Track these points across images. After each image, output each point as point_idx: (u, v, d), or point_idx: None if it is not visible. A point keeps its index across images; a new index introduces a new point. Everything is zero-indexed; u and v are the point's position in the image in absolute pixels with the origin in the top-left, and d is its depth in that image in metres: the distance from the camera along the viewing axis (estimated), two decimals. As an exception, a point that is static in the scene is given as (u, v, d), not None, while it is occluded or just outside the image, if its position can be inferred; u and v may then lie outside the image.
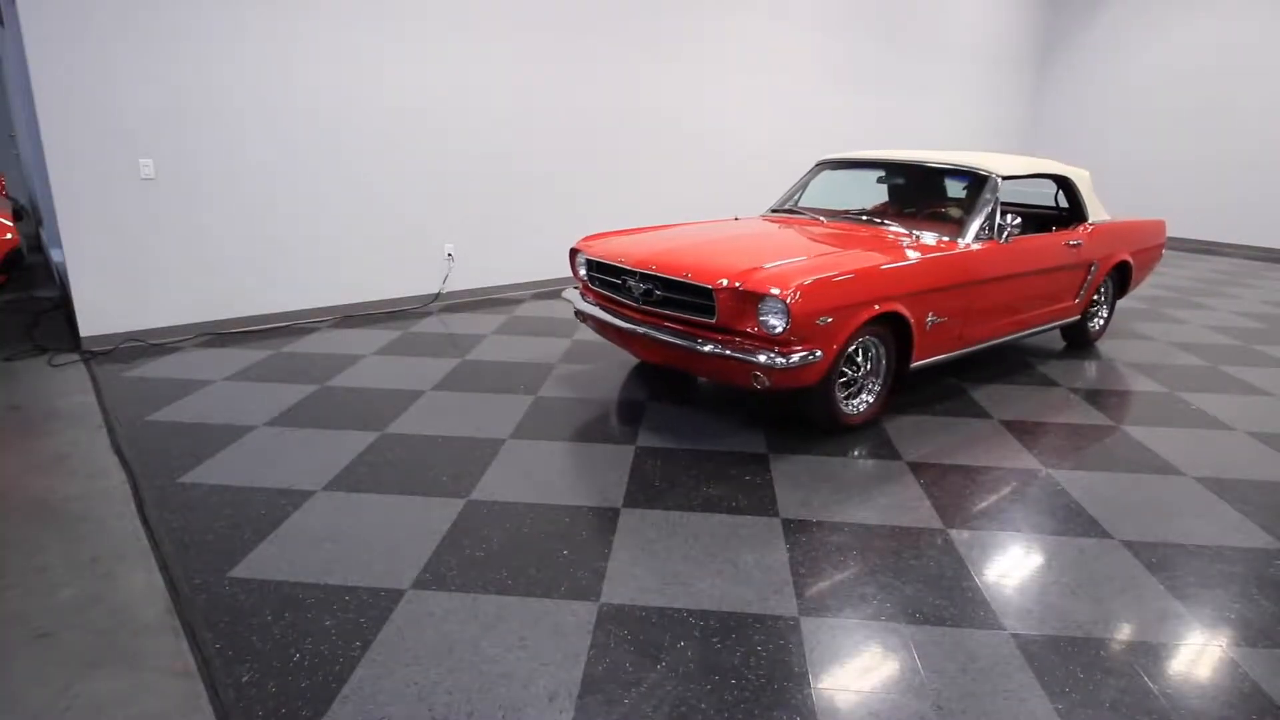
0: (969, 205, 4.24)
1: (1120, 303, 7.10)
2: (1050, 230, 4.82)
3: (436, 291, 6.21)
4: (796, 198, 4.92)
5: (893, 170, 4.88)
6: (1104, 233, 5.01)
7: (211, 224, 5.05)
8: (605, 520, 2.86)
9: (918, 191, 4.85)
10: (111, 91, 4.52)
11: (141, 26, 4.55)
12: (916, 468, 3.40)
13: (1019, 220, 4.08)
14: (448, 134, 5.95)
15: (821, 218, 4.53)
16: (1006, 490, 3.22)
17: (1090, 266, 4.89)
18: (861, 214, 4.60)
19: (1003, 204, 5.51)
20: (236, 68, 4.92)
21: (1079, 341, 5.38)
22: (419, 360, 4.72)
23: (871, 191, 5.14)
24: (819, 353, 3.25)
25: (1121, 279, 5.48)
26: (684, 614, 2.32)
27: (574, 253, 4.20)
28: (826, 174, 5.02)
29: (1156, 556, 2.74)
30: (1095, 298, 5.34)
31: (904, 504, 3.06)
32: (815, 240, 3.98)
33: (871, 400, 3.76)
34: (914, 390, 4.40)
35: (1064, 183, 4.97)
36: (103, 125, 4.53)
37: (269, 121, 5.12)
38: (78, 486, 3.04)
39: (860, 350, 3.63)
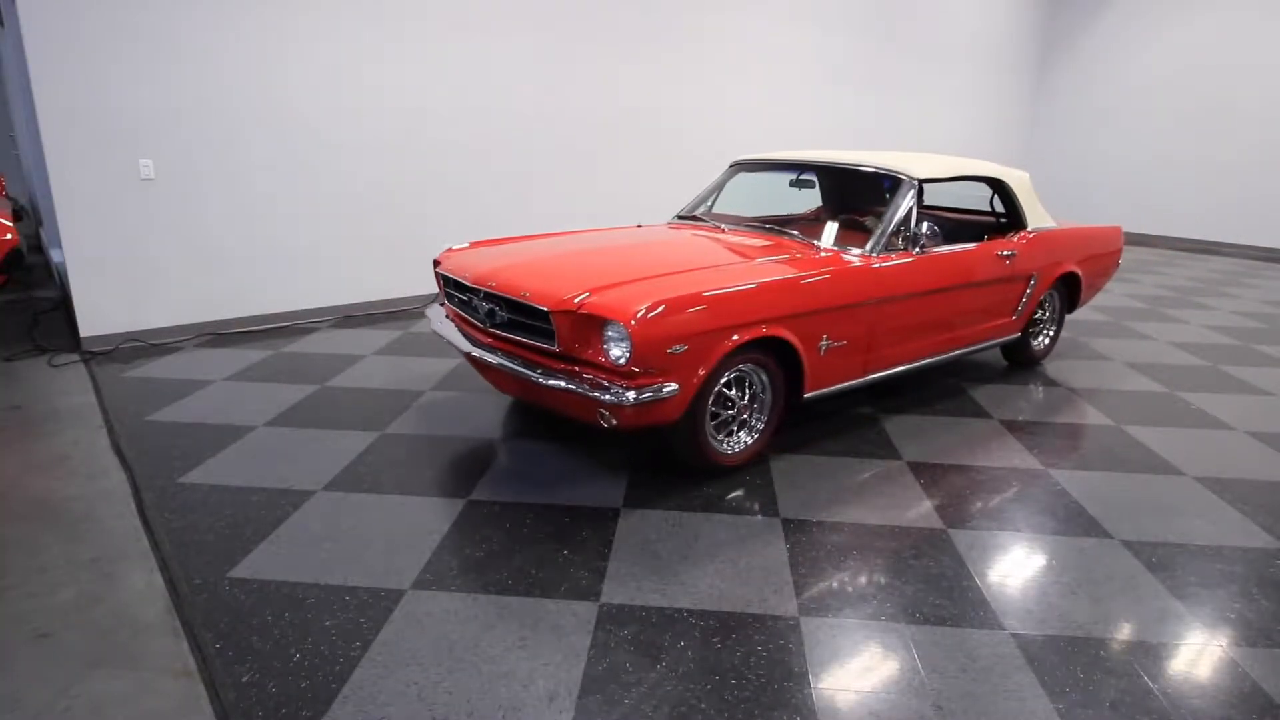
0: (880, 212, 3.77)
1: (1120, 303, 7.10)
2: (988, 239, 4.38)
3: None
4: (710, 202, 4.45)
5: (806, 173, 4.39)
6: (1044, 241, 4.48)
7: (211, 224, 5.05)
8: (605, 520, 2.86)
9: (833, 196, 4.42)
10: (111, 91, 4.52)
11: (141, 27, 4.55)
12: (916, 468, 3.40)
13: (936, 229, 3.66)
14: (447, 133, 5.95)
15: (723, 226, 4.05)
16: (1006, 490, 3.22)
17: (1029, 279, 4.38)
18: (766, 223, 4.10)
19: (939, 210, 5.23)
20: (236, 68, 4.92)
21: (1022, 361, 4.87)
22: (414, 360, 4.72)
23: (795, 195, 4.66)
24: (675, 386, 2.80)
25: (1070, 292, 4.93)
26: (684, 614, 2.32)
27: (436, 264, 3.66)
28: (743, 176, 4.53)
29: (1156, 556, 2.74)
30: (1039, 313, 4.82)
31: (904, 504, 3.06)
32: (697, 254, 3.47)
33: (754, 438, 3.29)
34: (914, 390, 4.40)
35: (998, 186, 4.44)
36: (103, 125, 4.53)
37: (269, 121, 5.12)
38: (78, 486, 3.04)
39: (737, 381, 3.19)
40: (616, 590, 2.43)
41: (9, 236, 5.21)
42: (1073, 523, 2.97)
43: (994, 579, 2.56)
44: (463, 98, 5.96)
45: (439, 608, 2.32)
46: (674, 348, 2.77)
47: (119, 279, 4.79)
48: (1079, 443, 3.75)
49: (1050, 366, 4.98)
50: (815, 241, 3.65)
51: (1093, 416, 4.11)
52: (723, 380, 3.08)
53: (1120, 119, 11.19)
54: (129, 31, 4.51)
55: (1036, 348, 4.90)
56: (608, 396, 2.73)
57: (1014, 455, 3.57)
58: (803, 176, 4.32)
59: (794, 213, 4.68)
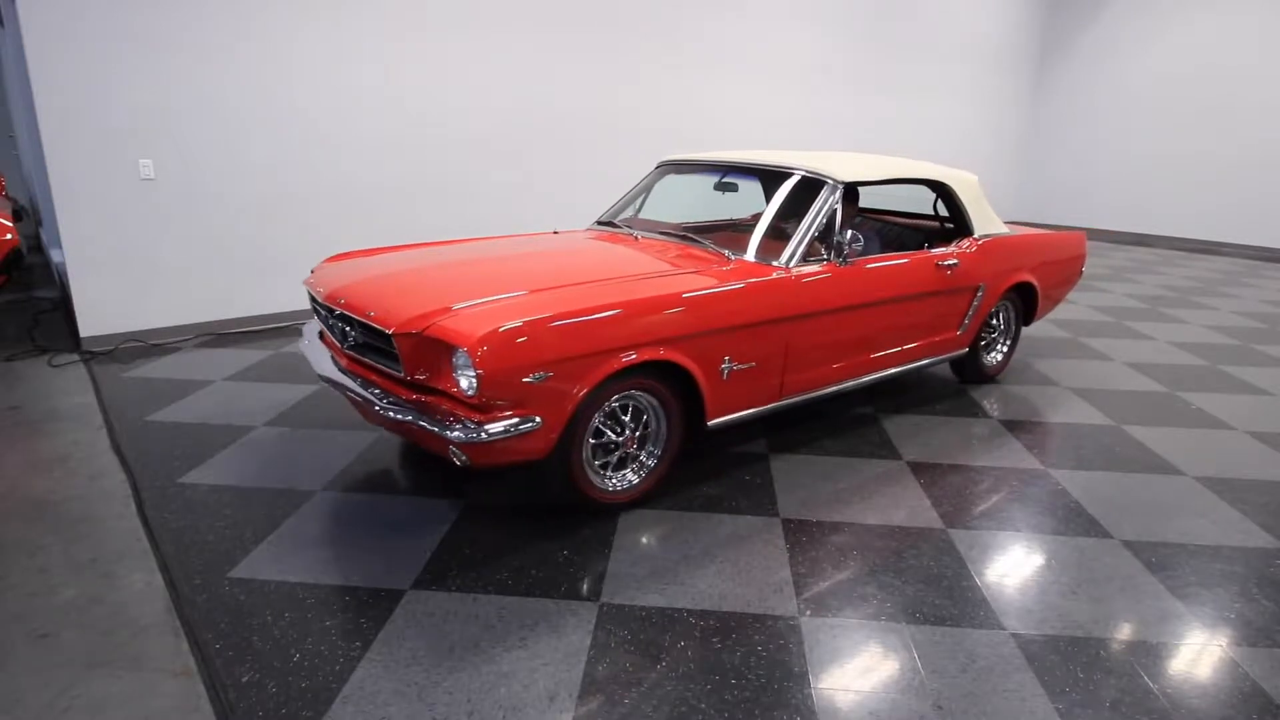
0: (799, 218, 3.39)
1: (1120, 303, 7.10)
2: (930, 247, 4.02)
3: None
4: (638, 204, 4.11)
5: (731, 174, 3.94)
6: (993, 249, 4.11)
7: (211, 224, 5.05)
8: (605, 520, 2.86)
9: (766, 200, 3.83)
10: (111, 91, 4.52)
11: (141, 27, 4.55)
12: (916, 468, 3.40)
13: (860, 238, 3.29)
14: (448, 133, 5.95)
15: (637, 233, 3.69)
16: (1006, 490, 3.22)
17: (976, 290, 4.02)
18: (691, 229, 3.73)
19: (885, 215, 4.84)
20: (236, 68, 4.92)
21: (973, 378, 4.50)
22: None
23: (730, 198, 4.20)
24: (537, 420, 2.47)
25: (1026, 303, 4.56)
26: (684, 614, 2.32)
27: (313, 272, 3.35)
28: (671, 178, 4.17)
29: (1156, 556, 2.74)
30: (990, 326, 4.46)
31: (904, 504, 3.06)
32: (589, 266, 3.12)
33: (642, 475, 2.93)
34: (914, 390, 4.40)
35: (941, 190, 4.09)
36: (103, 125, 4.54)
37: (269, 121, 5.12)
38: (78, 486, 3.04)
39: (622, 410, 2.84)
40: (616, 590, 2.43)
41: (9, 236, 5.21)
42: (1073, 523, 2.97)
43: (994, 579, 2.56)
44: (471, 97, 5.96)
45: (439, 608, 2.32)
46: (533, 376, 2.42)
47: (119, 279, 4.79)
48: (1079, 443, 3.75)
49: (1050, 366, 4.98)
50: (726, 251, 3.27)
51: (1093, 416, 4.11)
52: (604, 410, 2.75)
53: (1120, 119, 11.19)
54: (129, 31, 4.51)
55: (988, 364, 4.52)
56: (454, 433, 2.37)
57: (1014, 455, 3.57)
58: (726, 179, 3.89)
59: (734, 218, 4.34)
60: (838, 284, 3.30)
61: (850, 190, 3.60)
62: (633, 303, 2.68)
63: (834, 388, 3.50)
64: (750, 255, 3.24)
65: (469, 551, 2.62)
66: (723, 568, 2.57)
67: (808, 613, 2.35)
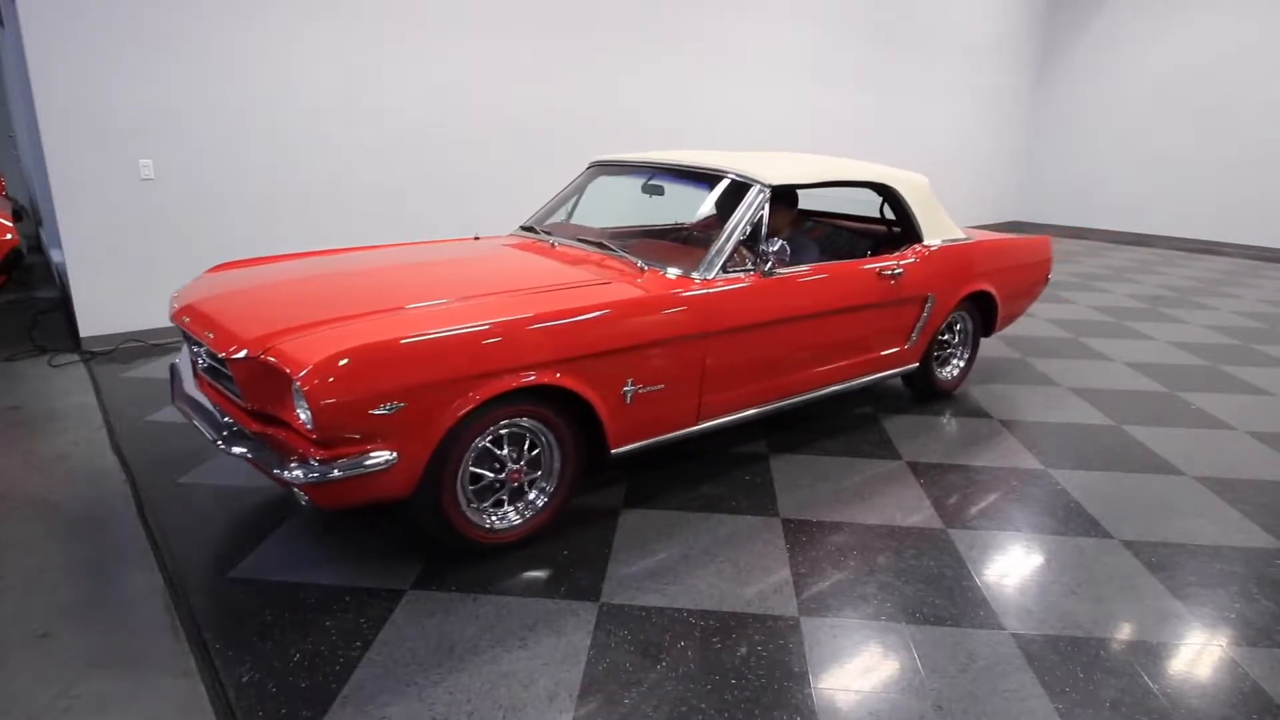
0: (721, 224, 3.14)
1: (1120, 303, 7.10)
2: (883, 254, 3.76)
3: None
4: (570, 207, 3.82)
5: (659, 176, 3.65)
6: (943, 257, 3.82)
7: (211, 224, 5.04)
8: (605, 520, 2.86)
9: (686, 204, 3.76)
10: (111, 91, 4.52)
11: (141, 27, 4.55)
12: (916, 468, 3.40)
13: (787, 247, 3.00)
14: (448, 133, 5.95)
15: (554, 240, 3.40)
16: (1006, 490, 3.22)
17: (925, 300, 3.75)
18: (618, 235, 3.42)
19: (835, 220, 4.49)
20: (236, 68, 4.92)
21: (927, 393, 4.21)
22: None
23: (672, 201, 3.88)
24: (392, 455, 2.21)
25: (985, 314, 4.29)
26: (684, 614, 2.32)
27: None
28: (603, 179, 3.88)
29: (1156, 556, 2.74)
30: (945, 338, 4.17)
31: (904, 504, 3.06)
32: (482, 279, 2.84)
33: (530, 513, 2.63)
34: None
35: (887, 194, 3.80)
36: (103, 125, 4.53)
37: (269, 121, 5.12)
38: (78, 486, 3.04)
39: (505, 440, 2.53)
40: (616, 590, 2.43)
41: (9, 236, 5.22)
42: (1073, 523, 2.97)
43: (994, 579, 2.57)
44: (471, 97, 5.96)
45: (439, 608, 2.32)
46: (383, 407, 2.15)
47: (119, 279, 4.79)
48: (1079, 443, 3.75)
49: (1050, 366, 4.98)
50: (639, 261, 2.97)
51: (1093, 416, 4.11)
52: (483, 441, 2.46)
53: (1120, 119, 11.20)
54: (129, 31, 4.51)
55: (943, 378, 4.23)
56: (293, 473, 2.12)
57: (1014, 455, 3.57)
58: (653, 181, 3.62)
59: (671, 222, 4.06)
60: (761, 297, 3.02)
61: (788, 195, 3.41)
62: (510, 322, 2.39)
63: (766, 407, 3.24)
64: (665, 265, 2.95)
65: (468, 551, 2.62)
66: (723, 568, 2.57)
67: (808, 613, 2.35)
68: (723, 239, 3.02)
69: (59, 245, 4.88)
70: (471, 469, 2.48)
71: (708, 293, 2.86)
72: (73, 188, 4.52)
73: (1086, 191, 11.70)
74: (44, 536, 2.67)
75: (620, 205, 3.94)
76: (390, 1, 5.44)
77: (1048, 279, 4.65)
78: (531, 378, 2.42)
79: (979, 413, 4.11)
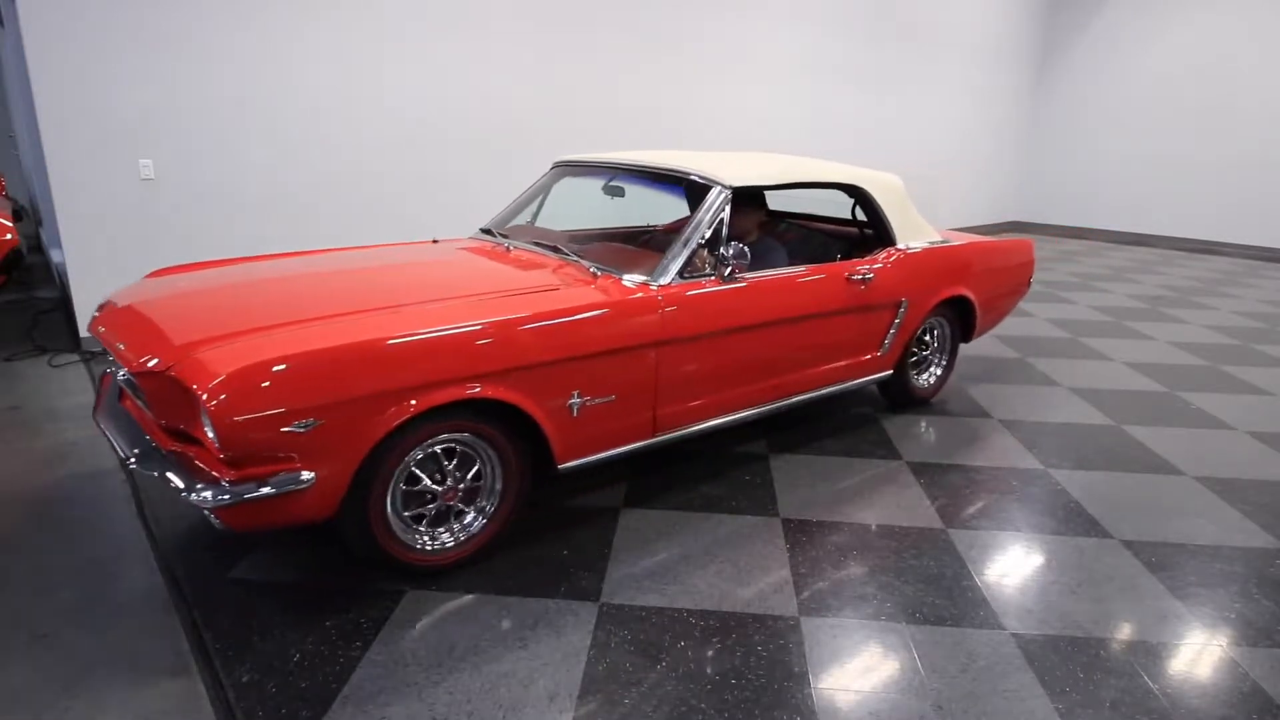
0: (681, 228, 3.01)
1: (1120, 303, 7.10)
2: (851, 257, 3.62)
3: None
4: (534, 209, 3.68)
5: (620, 177, 3.53)
6: (917, 260, 3.69)
7: (211, 224, 5.04)
8: (605, 520, 2.86)
9: (647, 206, 3.66)
10: (111, 91, 4.52)
11: (141, 26, 4.55)
12: (916, 468, 3.40)
13: (746, 250, 2.88)
14: (448, 133, 5.95)
15: (510, 244, 3.26)
16: (1006, 490, 3.22)
17: (898, 306, 3.62)
18: (554, 242, 3.22)
19: (807, 221, 4.37)
20: (236, 68, 4.92)
21: (901, 402, 4.08)
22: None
23: (641, 203, 3.74)
24: (309, 475, 2.07)
25: (963, 319, 4.15)
26: (684, 614, 2.32)
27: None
28: (568, 180, 3.73)
29: (1156, 556, 2.74)
30: (920, 345, 4.02)
31: (904, 504, 3.06)
32: (419, 285, 2.71)
33: (465, 535, 2.50)
34: (914, 390, 4.40)
35: (858, 195, 3.66)
36: (103, 125, 4.53)
37: (269, 121, 5.12)
38: (78, 486, 3.04)
39: (442, 456, 2.41)
40: (616, 590, 2.43)
41: (9, 236, 5.22)
42: (1073, 523, 2.97)
43: (994, 579, 2.57)
44: (471, 97, 5.96)
45: (439, 608, 2.32)
46: (297, 424, 2.02)
47: (119, 279, 4.78)
48: (1079, 443, 3.75)
49: (1050, 366, 4.98)
50: (592, 267, 2.85)
51: (1093, 416, 4.11)
52: (415, 458, 2.34)
53: (1120, 119, 11.20)
54: (129, 31, 4.51)
55: (920, 386, 4.08)
56: (200, 494, 2.00)
57: (1014, 455, 3.57)
58: (613, 183, 3.51)
59: (640, 224, 3.89)
60: (720, 303, 2.89)
61: (755, 196, 3.30)
62: (442, 332, 2.26)
63: (729, 418, 3.11)
64: (620, 270, 2.82)
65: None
66: (723, 568, 2.57)
67: (808, 613, 2.35)
68: (680, 243, 2.90)
69: (59, 245, 4.88)
70: (406, 487, 2.36)
71: (661, 299, 2.72)
72: (73, 188, 4.52)
73: (1086, 191, 11.70)
74: (44, 536, 2.67)
75: (585, 207, 3.78)
76: (390, 1, 5.44)
77: (1030, 283, 4.55)
78: (465, 391, 2.28)
79: (979, 413, 4.11)
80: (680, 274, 2.82)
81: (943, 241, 3.91)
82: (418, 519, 2.43)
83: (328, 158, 5.42)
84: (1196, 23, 10.32)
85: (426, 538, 2.45)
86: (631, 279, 2.77)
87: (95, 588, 2.39)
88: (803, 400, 3.41)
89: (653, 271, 2.81)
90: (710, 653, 2.16)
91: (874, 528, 2.87)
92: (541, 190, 3.72)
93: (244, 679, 2.01)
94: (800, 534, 2.81)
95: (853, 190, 3.63)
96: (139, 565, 2.51)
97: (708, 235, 2.94)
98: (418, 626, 2.23)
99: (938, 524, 2.92)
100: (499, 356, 2.34)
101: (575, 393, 2.55)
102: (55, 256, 6.09)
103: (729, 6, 7.47)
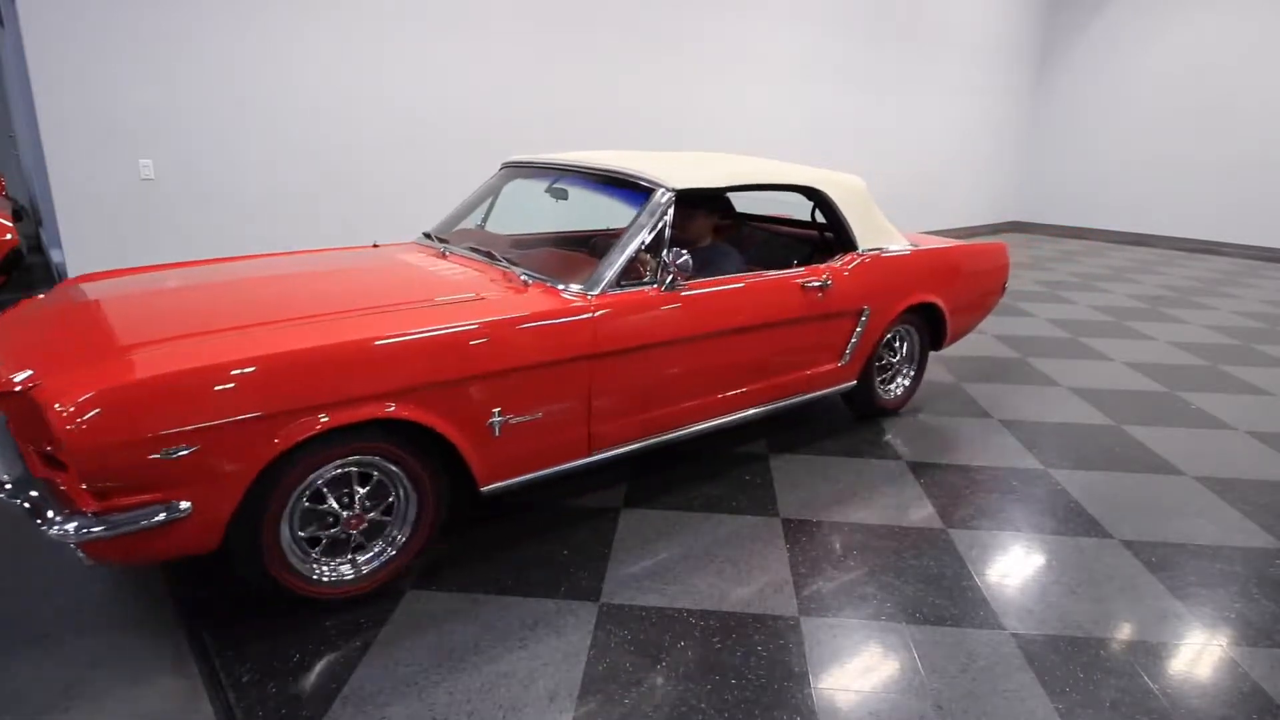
0: (620, 232, 2.85)
1: (1120, 303, 7.10)
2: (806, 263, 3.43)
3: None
4: (484, 211, 3.54)
5: (565, 179, 3.35)
6: (878, 266, 3.51)
7: (211, 224, 5.05)
8: (605, 520, 2.86)
9: (590, 209, 3.49)
10: (111, 91, 4.52)
11: (141, 26, 4.55)
12: (916, 468, 3.40)
13: (688, 258, 2.68)
14: (448, 133, 5.95)
15: (447, 249, 3.12)
16: (1006, 490, 3.22)
17: (859, 314, 3.45)
18: (489, 248, 3.02)
19: (774, 226, 4.20)
20: (236, 67, 4.92)
21: (868, 412, 3.91)
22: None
23: (570, 206, 3.50)
24: (185, 506, 1.91)
25: (933, 327, 3.98)
26: (684, 614, 2.32)
27: None
28: (518, 181, 3.57)
29: (1156, 556, 2.74)
30: (887, 354, 3.87)
31: (904, 504, 3.06)
32: (337, 295, 2.52)
33: (385, 560, 2.35)
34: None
35: (816, 198, 3.46)
36: (103, 125, 4.54)
37: (269, 121, 5.12)
38: (78, 486, 3.03)
39: (356, 480, 2.26)
40: (616, 590, 2.43)
41: (9, 236, 5.22)
42: (1073, 523, 2.97)
43: (994, 579, 2.57)
44: (471, 97, 5.96)
45: (439, 608, 2.32)
46: (165, 451, 1.85)
47: (119, 279, 4.79)
48: (1079, 443, 3.75)
49: (1050, 366, 4.98)
50: (523, 275, 2.70)
51: (1093, 416, 4.11)
52: (314, 484, 2.17)
53: (1120, 119, 11.20)
54: (129, 31, 4.51)
55: (886, 396, 3.91)
56: (60, 527, 1.83)
57: (1014, 455, 3.57)
58: (557, 185, 3.35)
59: (591, 230, 3.73)
60: (660, 314, 2.71)
61: (710, 199, 3.17)
62: (338, 346, 2.06)
63: (680, 433, 2.96)
64: (555, 278, 2.66)
65: (469, 551, 2.62)
66: (723, 568, 2.57)
67: (808, 613, 2.35)
68: (617, 249, 2.72)
69: (59, 245, 4.88)
70: (310, 505, 2.20)
71: (594, 310, 2.53)
72: (73, 188, 4.52)
73: (1087, 191, 11.70)
74: (43, 536, 2.67)
75: (537, 210, 3.61)
76: (390, 1, 5.44)
77: (1004, 288, 4.35)
78: (366, 412, 2.10)
79: (979, 413, 4.11)
80: (618, 282, 2.65)
81: (909, 246, 3.74)
82: (318, 547, 2.27)
83: (327, 158, 5.42)
84: (1196, 23, 10.31)
85: (326, 569, 2.28)
86: (564, 287, 2.61)
87: (95, 588, 2.39)
88: (758, 414, 3.24)
89: (588, 280, 2.63)
90: (710, 653, 2.16)
91: (874, 528, 2.87)
92: (491, 192, 3.57)
93: (244, 679, 2.01)
94: (800, 534, 2.81)
95: (810, 193, 3.44)
96: (139, 565, 2.51)
97: (648, 241, 2.76)
98: (418, 626, 2.23)
99: (938, 524, 2.92)
100: (405, 373, 2.16)
101: (496, 411, 2.38)
102: (55, 256, 6.09)
103: (729, 6, 7.47)
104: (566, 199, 3.34)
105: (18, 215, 5.99)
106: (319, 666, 2.06)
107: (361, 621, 2.24)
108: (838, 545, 2.74)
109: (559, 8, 6.30)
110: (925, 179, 10.32)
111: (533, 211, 3.63)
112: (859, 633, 2.27)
